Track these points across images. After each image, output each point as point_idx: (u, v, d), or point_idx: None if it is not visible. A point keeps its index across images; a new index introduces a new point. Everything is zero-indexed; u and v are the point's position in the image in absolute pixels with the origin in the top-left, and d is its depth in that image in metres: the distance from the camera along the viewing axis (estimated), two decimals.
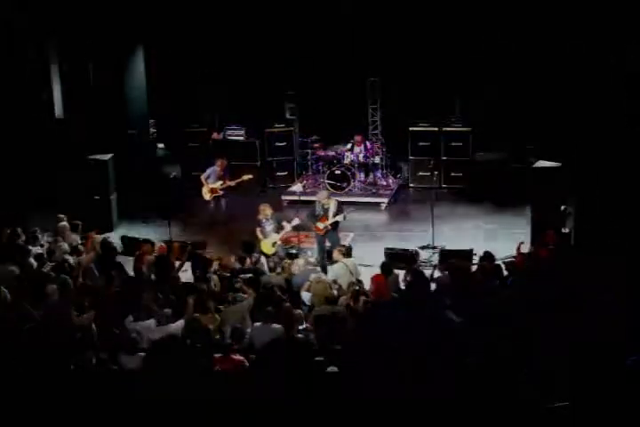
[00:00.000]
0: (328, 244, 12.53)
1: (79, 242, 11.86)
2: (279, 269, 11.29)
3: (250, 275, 10.59)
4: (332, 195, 13.19)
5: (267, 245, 12.45)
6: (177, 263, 11.18)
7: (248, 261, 11.41)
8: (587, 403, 6.66)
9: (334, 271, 11.00)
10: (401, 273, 10.81)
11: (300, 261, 11.29)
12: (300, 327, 9.16)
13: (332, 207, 12.45)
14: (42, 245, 11.54)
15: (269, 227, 12.58)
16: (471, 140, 16.42)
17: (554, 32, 15.14)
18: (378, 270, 10.68)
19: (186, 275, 11.38)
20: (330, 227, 12.43)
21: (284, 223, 12.57)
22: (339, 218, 12.40)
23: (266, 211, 12.66)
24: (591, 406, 6.63)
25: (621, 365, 7.24)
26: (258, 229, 12.63)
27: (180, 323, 8.77)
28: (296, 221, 12.65)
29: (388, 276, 10.46)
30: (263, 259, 11.89)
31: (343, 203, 13.25)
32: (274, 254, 12.30)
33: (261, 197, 15.61)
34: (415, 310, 8.97)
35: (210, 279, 10.57)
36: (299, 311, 9.56)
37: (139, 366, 7.87)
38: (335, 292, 10.21)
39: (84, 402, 7.06)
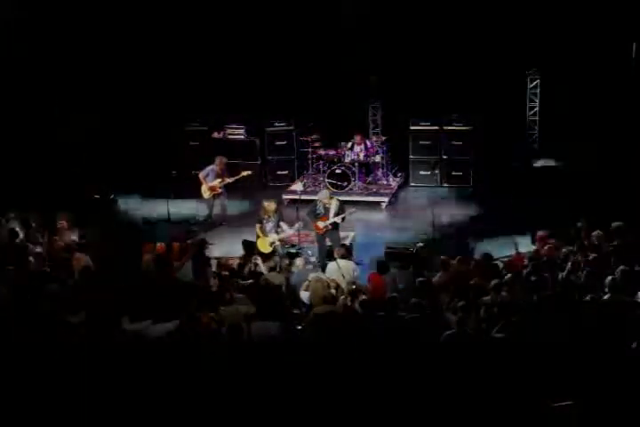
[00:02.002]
0: (329, 243, 12.49)
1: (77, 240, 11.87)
2: (278, 269, 11.26)
3: (250, 280, 10.58)
4: (332, 194, 13.14)
5: (264, 244, 12.38)
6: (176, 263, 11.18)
7: (247, 268, 11.35)
8: (588, 401, 6.64)
9: (327, 270, 11.02)
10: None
11: (298, 261, 11.24)
12: (299, 327, 9.14)
13: (334, 207, 12.40)
14: (40, 244, 11.52)
15: (270, 225, 12.49)
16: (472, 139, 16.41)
17: (554, 32, 15.15)
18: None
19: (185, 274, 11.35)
20: (330, 226, 12.38)
21: (285, 227, 12.50)
22: (337, 219, 12.35)
23: (270, 208, 12.48)
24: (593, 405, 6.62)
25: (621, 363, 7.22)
26: (258, 226, 12.51)
27: (177, 322, 8.73)
28: (298, 225, 12.57)
29: (384, 274, 10.43)
30: (259, 260, 11.78)
31: (345, 202, 13.19)
32: (271, 253, 12.22)
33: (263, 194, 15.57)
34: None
35: (209, 279, 10.56)
36: (297, 311, 9.54)
37: (137, 366, 7.85)
38: (334, 291, 10.19)
39: (82, 402, 7.06)
